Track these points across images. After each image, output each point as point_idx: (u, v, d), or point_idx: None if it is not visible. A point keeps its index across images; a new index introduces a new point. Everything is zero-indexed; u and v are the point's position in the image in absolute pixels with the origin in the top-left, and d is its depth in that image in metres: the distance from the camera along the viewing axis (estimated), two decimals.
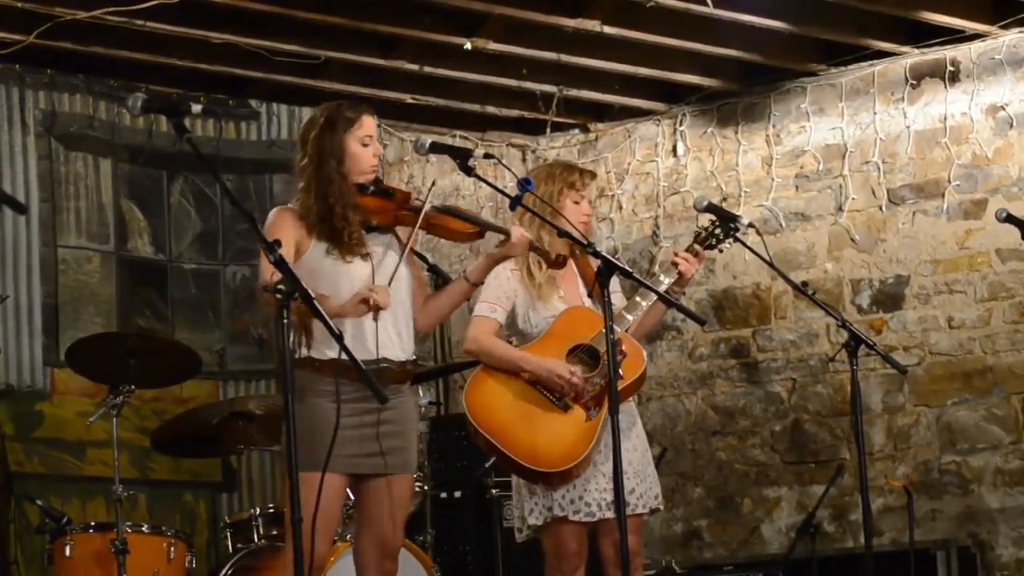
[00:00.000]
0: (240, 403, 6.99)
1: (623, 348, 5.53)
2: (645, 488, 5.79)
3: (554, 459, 5.59)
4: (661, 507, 5.92)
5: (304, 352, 5.08)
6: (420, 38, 8.31)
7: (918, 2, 8.22)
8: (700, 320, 5.57)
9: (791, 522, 8.96)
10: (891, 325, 8.82)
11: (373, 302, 4.99)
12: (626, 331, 5.67)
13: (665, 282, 5.76)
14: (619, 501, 4.95)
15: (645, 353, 5.78)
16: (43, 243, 8.10)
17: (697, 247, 5.86)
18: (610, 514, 5.63)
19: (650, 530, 8.95)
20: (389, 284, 5.08)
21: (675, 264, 5.79)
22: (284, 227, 5.11)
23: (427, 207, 5.17)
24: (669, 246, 9.35)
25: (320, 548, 4.99)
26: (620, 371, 5.40)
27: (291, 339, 4.51)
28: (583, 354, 5.69)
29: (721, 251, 6.00)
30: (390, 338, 5.18)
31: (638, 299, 5.72)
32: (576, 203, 5.83)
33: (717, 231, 5.86)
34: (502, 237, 5.31)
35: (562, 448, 5.62)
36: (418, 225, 5.16)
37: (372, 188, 5.23)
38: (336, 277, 5.10)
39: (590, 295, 5.84)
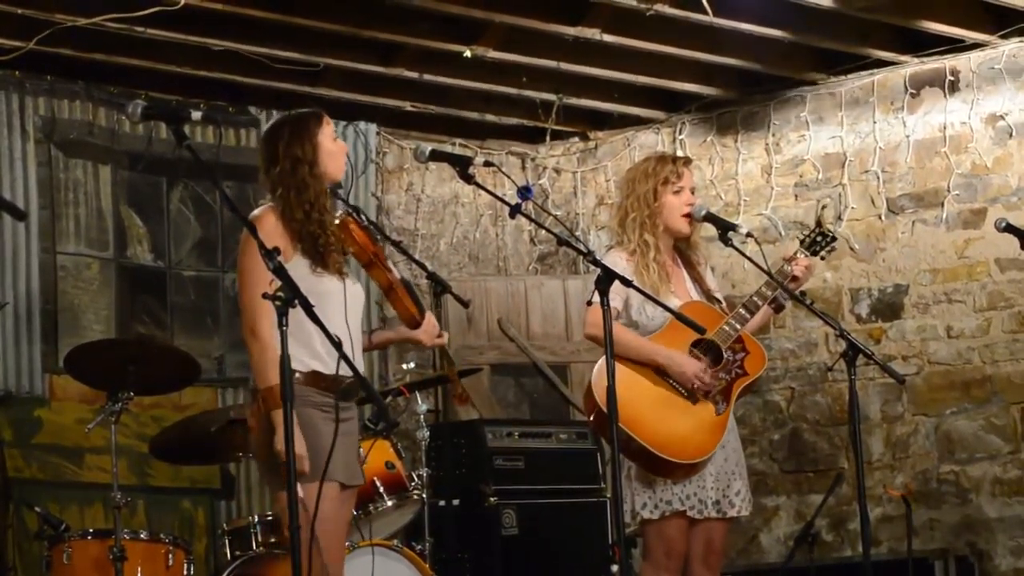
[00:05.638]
0: (239, 410, 6.95)
1: (745, 346, 5.73)
2: (745, 491, 5.85)
3: (689, 451, 5.61)
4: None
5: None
6: (419, 46, 8.31)
7: (918, 11, 8.23)
8: (699, 329, 5.57)
9: (789, 531, 8.96)
10: (890, 334, 8.82)
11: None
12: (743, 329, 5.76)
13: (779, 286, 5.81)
14: (618, 504, 4.96)
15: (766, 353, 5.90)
16: (42, 249, 8.08)
17: (805, 252, 5.93)
18: (714, 513, 5.74)
19: None
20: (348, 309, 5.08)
21: (793, 270, 5.82)
22: (275, 233, 4.99)
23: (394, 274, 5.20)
24: None
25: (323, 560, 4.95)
26: (745, 368, 5.72)
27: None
28: (706, 349, 5.73)
29: (823, 258, 6.06)
30: (356, 356, 5.13)
31: (755, 299, 5.80)
32: (676, 193, 5.84)
33: (819, 238, 5.94)
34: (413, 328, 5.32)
35: (698, 440, 5.65)
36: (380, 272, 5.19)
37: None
38: (317, 291, 4.81)
39: (703, 294, 5.90)
